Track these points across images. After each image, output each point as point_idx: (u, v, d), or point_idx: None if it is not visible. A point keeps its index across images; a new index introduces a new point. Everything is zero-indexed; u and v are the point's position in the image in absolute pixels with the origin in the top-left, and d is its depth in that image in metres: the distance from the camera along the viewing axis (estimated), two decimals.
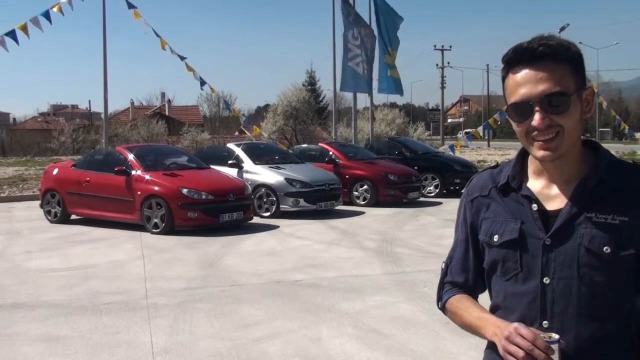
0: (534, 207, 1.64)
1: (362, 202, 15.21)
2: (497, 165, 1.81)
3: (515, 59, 1.58)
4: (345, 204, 14.77)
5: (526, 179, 1.70)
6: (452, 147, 19.15)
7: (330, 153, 16.15)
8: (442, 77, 68.20)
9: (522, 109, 1.57)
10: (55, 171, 13.41)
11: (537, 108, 1.54)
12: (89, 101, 72.82)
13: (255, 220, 12.69)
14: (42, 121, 58.28)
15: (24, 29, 16.62)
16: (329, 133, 34.60)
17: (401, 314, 6.24)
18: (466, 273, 1.82)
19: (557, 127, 1.55)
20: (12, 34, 16.47)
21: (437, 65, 69.32)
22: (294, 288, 7.35)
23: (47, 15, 17.04)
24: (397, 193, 15.26)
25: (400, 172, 15.69)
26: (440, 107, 71.68)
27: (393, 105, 52.40)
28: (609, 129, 74.45)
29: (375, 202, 15.08)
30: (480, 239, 1.75)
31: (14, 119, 75.13)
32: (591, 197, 1.60)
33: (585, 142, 1.67)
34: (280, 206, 13.40)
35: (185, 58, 19.15)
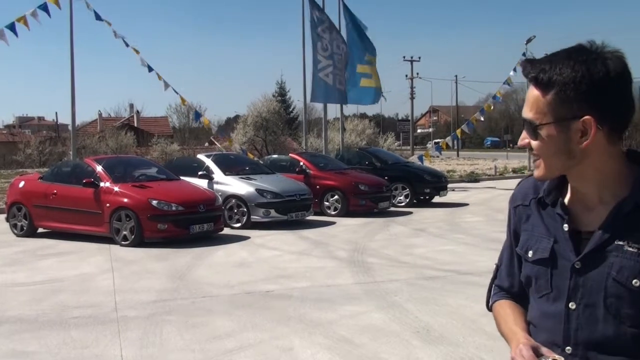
0: (565, 227, 1.59)
1: (333, 212, 15.24)
2: None
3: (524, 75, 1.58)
4: (316, 214, 14.78)
5: (565, 193, 1.65)
6: (420, 158, 19.33)
7: (301, 163, 16.16)
8: (412, 87, 68.72)
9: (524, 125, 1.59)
10: (22, 184, 13.19)
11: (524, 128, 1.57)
12: (56, 113, 72.01)
13: (226, 231, 12.63)
14: (7, 133, 57.39)
15: None
16: (299, 144, 34.61)
17: (372, 323, 6.25)
18: (512, 278, 1.80)
19: (536, 152, 1.56)
20: None
21: (406, 76, 69.94)
22: (265, 299, 7.33)
23: (12, 28, 16.79)
24: (367, 203, 15.33)
25: (370, 182, 15.77)
26: (410, 118, 72.20)
27: (363, 116, 52.66)
28: None
29: (346, 212, 15.12)
30: (517, 252, 1.74)
31: None
32: (625, 223, 1.51)
33: (631, 156, 1.58)
34: (251, 217, 13.36)
35: (152, 70, 19.08)
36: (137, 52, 18.86)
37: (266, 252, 10.55)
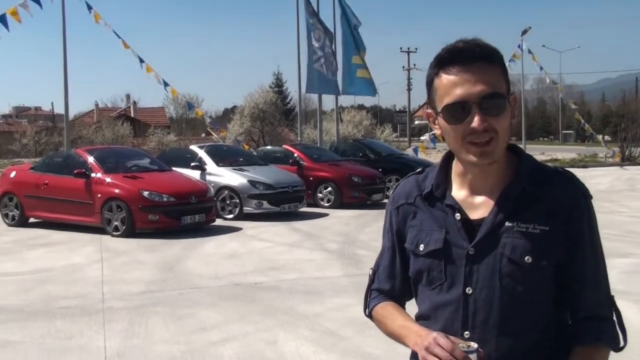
0: (457, 216, 1.62)
1: (326, 204, 15.22)
2: (422, 171, 1.77)
3: (451, 59, 1.54)
4: (309, 205, 14.76)
5: (450, 186, 1.68)
6: (415, 150, 19.29)
7: (295, 155, 16.13)
8: (409, 79, 68.70)
9: (458, 110, 1.52)
10: (13, 174, 13.16)
11: (475, 110, 1.50)
12: (52, 103, 71.63)
13: (218, 222, 12.61)
14: (3, 123, 57.18)
15: None
16: (296, 135, 34.58)
17: (358, 316, 6.19)
18: (393, 280, 1.79)
19: (493, 132, 1.52)
20: None
21: (403, 67, 69.84)
22: (253, 291, 7.32)
23: (4, 20, 16.65)
24: (360, 195, 15.31)
25: (364, 174, 15.75)
26: (407, 109, 72.14)
27: (360, 107, 52.55)
28: (572, 132, 75.81)
29: (339, 204, 15.10)
30: (406, 248, 1.73)
31: None
32: (513, 206, 1.58)
33: (508, 147, 1.64)
34: (244, 208, 13.34)
35: (143, 62, 19.01)
36: (127, 45, 18.77)
37: (257, 244, 10.53)
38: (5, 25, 16.63)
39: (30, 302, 6.87)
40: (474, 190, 1.64)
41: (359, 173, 15.70)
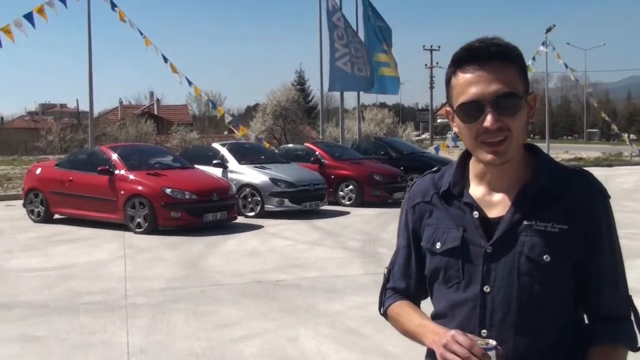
0: (475, 214, 1.62)
1: (348, 202, 15.22)
2: (438, 169, 1.78)
3: (467, 58, 1.55)
4: (330, 204, 14.77)
5: (468, 184, 1.68)
6: (437, 148, 19.20)
7: (316, 153, 16.15)
8: (431, 77, 68.41)
9: (473, 109, 1.53)
10: (39, 170, 13.34)
11: (489, 109, 1.51)
12: (77, 100, 72.31)
13: (240, 220, 12.67)
14: (29, 120, 57.94)
15: (8, 32, 16.44)
16: (318, 133, 34.60)
17: (379, 314, 6.22)
18: (408, 279, 1.79)
19: (507, 132, 1.52)
20: None
21: (425, 65, 69.55)
22: (274, 288, 7.34)
23: (30, 18, 16.83)
24: (382, 193, 15.28)
25: (385, 172, 15.72)
26: (429, 107, 71.82)
27: (382, 105, 52.50)
28: (596, 130, 74.91)
29: (361, 202, 15.09)
30: (422, 246, 1.72)
31: (2, 118, 74.58)
32: (532, 204, 1.58)
33: (525, 146, 1.65)
34: (265, 206, 13.38)
35: (167, 60, 19.15)
36: (150, 42, 18.90)
37: (278, 242, 10.56)
38: (32, 22, 16.83)
39: (54, 298, 6.97)
40: (491, 189, 1.64)
41: (381, 171, 15.67)
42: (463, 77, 1.55)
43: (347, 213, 14.04)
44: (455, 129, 1.66)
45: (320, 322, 5.97)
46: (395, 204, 15.31)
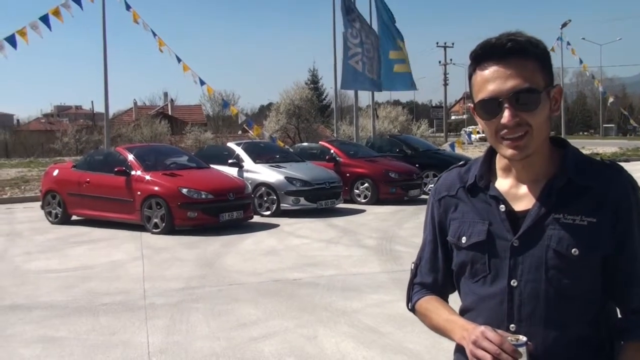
0: (502, 208, 1.61)
1: (363, 200, 15.19)
2: (465, 164, 1.76)
3: (484, 55, 1.55)
4: (346, 202, 14.76)
5: (494, 178, 1.67)
6: (452, 145, 19.12)
7: (331, 151, 16.13)
8: (445, 74, 68.17)
9: (491, 105, 1.53)
10: (56, 172, 13.43)
11: (506, 105, 1.50)
12: (92, 102, 72.90)
13: (256, 219, 12.69)
14: (45, 122, 58.37)
15: (23, 34, 16.58)
16: (332, 131, 34.57)
17: (398, 312, 6.20)
18: (435, 274, 1.78)
19: (526, 126, 1.51)
20: (11, 39, 16.43)
21: (439, 62, 69.31)
22: (292, 287, 7.35)
23: (46, 20, 16.96)
24: (397, 191, 15.24)
25: (401, 169, 15.67)
26: (443, 104, 71.54)
27: (396, 103, 52.37)
28: (613, 125, 74.24)
29: (376, 200, 15.06)
30: (448, 240, 1.72)
31: (18, 120, 75.35)
32: (559, 197, 1.56)
33: (553, 140, 1.63)
34: (281, 205, 13.39)
35: (180, 60, 19.22)
36: (163, 43, 18.99)
37: (295, 240, 10.57)
38: (48, 25, 16.96)
39: (74, 299, 7.02)
40: (518, 182, 1.62)
41: (396, 169, 15.63)
42: (481, 74, 1.56)
43: (363, 211, 14.01)
44: (480, 125, 1.65)
45: (338, 321, 5.96)
46: (411, 201, 15.29)
